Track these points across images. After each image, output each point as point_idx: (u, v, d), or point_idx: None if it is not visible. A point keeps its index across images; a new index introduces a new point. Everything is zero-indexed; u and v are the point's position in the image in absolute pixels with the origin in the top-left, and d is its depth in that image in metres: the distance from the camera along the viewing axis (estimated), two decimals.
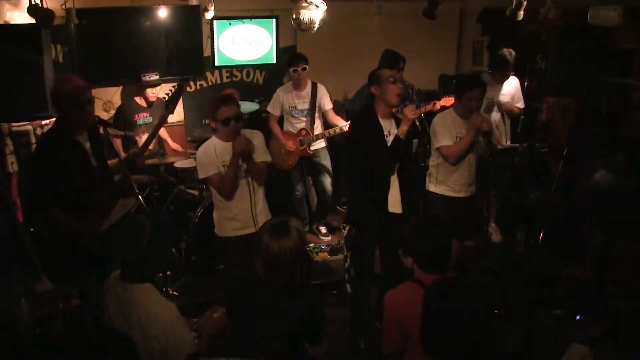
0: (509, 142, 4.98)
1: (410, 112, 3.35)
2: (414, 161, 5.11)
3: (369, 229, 3.60)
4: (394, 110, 3.53)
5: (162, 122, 3.79)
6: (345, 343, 3.83)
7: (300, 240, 2.28)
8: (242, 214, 3.40)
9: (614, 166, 3.77)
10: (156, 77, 4.86)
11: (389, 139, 3.43)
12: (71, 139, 3.07)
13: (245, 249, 2.47)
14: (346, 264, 4.43)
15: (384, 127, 3.46)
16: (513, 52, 4.75)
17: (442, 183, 3.93)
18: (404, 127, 3.35)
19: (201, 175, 3.38)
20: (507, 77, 4.88)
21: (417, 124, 3.41)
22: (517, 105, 4.97)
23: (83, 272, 2.97)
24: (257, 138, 3.43)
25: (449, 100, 4.30)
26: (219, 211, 3.49)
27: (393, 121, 3.50)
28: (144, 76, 4.84)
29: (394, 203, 3.50)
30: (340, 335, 3.88)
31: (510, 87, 4.93)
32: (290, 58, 4.96)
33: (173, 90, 3.66)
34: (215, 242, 3.60)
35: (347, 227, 4.82)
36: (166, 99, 3.71)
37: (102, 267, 2.69)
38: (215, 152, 3.33)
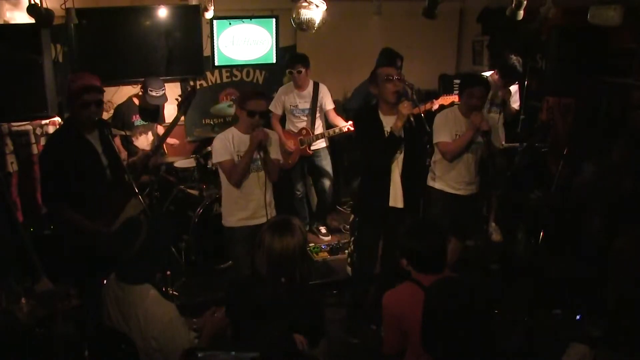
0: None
1: (404, 108, 3.42)
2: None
3: (369, 217, 3.80)
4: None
5: (175, 123, 3.82)
6: (344, 343, 3.83)
7: (302, 239, 2.29)
8: (253, 202, 3.53)
9: (600, 161, 3.86)
10: (160, 95, 4.75)
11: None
12: (81, 137, 3.06)
13: (251, 240, 2.52)
14: (349, 249, 4.54)
15: (385, 123, 3.55)
16: (521, 60, 4.76)
17: (440, 179, 3.98)
18: (398, 123, 3.44)
19: (214, 159, 3.50)
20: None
21: (412, 120, 3.47)
22: (513, 106, 5.05)
23: (85, 271, 2.97)
24: (273, 137, 3.60)
25: (447, 99, 4.32)
26: (228, 201, 3.58)
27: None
28: (150, 90, 4.72)
29: (396, 197, 3.60)
30: (339, 335, 3.88)
31: (514, 90, 5.02)
32: (289, 59, 5.01)
33: (187, 91, 3.68)
34: (223, 235, 3.71)
35: (352, 216, 4.88)
36: (178, 100, 3.73)
37: (104, 266, 2.69)
38: (232, 140, 3.47)
